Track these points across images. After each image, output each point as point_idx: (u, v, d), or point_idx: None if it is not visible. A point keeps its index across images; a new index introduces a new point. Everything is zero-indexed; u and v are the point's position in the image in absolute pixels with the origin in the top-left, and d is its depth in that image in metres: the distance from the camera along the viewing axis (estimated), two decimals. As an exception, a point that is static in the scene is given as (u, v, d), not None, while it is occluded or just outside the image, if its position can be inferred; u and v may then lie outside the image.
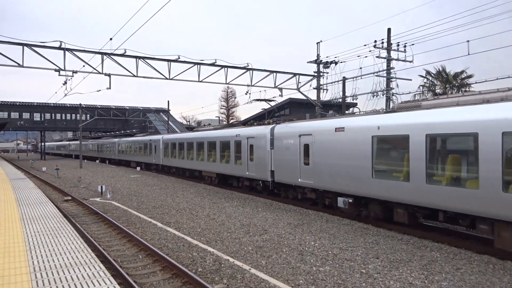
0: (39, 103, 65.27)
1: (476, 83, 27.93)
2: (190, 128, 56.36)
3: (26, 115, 65.07)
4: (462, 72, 33.06)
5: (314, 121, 16.24)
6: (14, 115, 63.83)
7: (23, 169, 41.91)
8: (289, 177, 16.34)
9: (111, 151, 50.79)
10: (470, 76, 33.09)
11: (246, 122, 24.05)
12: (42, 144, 76.72)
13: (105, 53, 20.68)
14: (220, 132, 23.21)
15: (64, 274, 6.06)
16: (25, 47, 18.97)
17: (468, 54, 18.39)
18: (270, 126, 18.19)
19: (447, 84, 33.01)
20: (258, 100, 25.54)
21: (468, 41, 18.18)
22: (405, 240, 10.87)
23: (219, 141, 22.48)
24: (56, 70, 20.26)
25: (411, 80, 53.65)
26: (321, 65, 26.32)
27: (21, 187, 18.61)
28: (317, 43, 26.14)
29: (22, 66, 19.05)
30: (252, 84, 24.68)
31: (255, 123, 21.72)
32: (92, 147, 61.32)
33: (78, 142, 65.28)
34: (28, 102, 65.67)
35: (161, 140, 33.44)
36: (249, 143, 19.13)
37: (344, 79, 25.90)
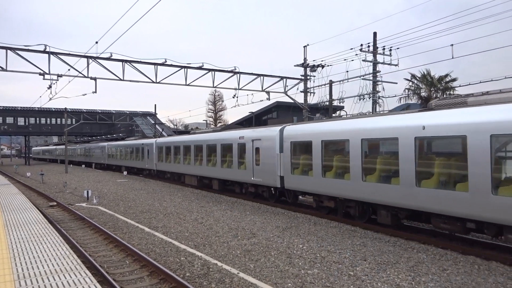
0: (23, 107, 64.39)
1: (460, 86, 28.39)
2: (179, 132, 53.87)
3: (10, 120, 64.07)
4: (446, 75, 33.60)
5: None
6: (-2, 119, 62.85)
7: (7, 175, 41.24)
8: None
9: (143, 158, 34.30)
10: (454, 80, 33.64)
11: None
12: (32, 147, 75.30)
13: (91, 57, 20.47)
14: None
15: (49, 281, 5.97)
16: (8, 51, 18.69)
17: (452, 57, 18.69)
18: None
19: (432, 88, 33.47)
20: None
21: (452, 44, 18.48)
22: (392, 242, 10.98)
23: None
24: (40, 74, 19.99)
25: (396, 83, 54.38)
26: (308, 69, 26.50)
27: (5, 193, 18.28)
28: (304, 46, 26.38)
29: (6, 70, 18.74)
30: (240, 87, 24.74)
31: None
32: (112, 151, 44.08)
33: (90, 145, 61.53)
34: (12, 107, 64.75)
35: (277, 135, 16.49)
36: None
37: (331, 83, 26.09)
